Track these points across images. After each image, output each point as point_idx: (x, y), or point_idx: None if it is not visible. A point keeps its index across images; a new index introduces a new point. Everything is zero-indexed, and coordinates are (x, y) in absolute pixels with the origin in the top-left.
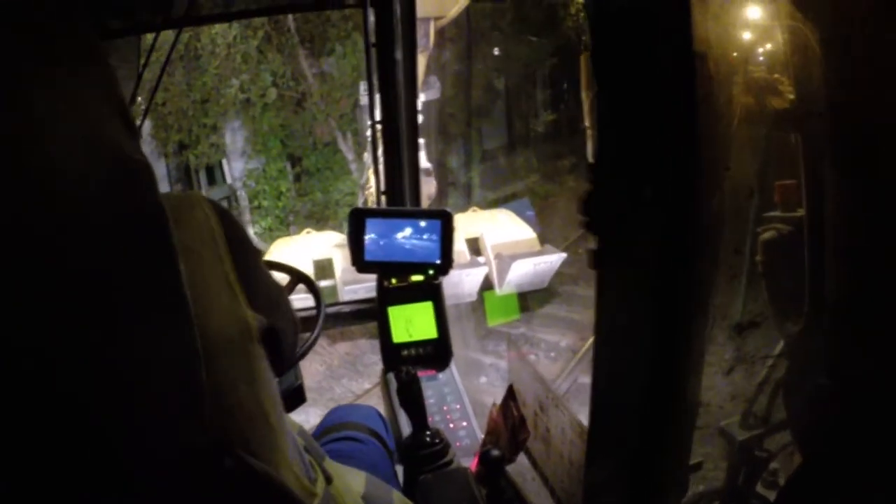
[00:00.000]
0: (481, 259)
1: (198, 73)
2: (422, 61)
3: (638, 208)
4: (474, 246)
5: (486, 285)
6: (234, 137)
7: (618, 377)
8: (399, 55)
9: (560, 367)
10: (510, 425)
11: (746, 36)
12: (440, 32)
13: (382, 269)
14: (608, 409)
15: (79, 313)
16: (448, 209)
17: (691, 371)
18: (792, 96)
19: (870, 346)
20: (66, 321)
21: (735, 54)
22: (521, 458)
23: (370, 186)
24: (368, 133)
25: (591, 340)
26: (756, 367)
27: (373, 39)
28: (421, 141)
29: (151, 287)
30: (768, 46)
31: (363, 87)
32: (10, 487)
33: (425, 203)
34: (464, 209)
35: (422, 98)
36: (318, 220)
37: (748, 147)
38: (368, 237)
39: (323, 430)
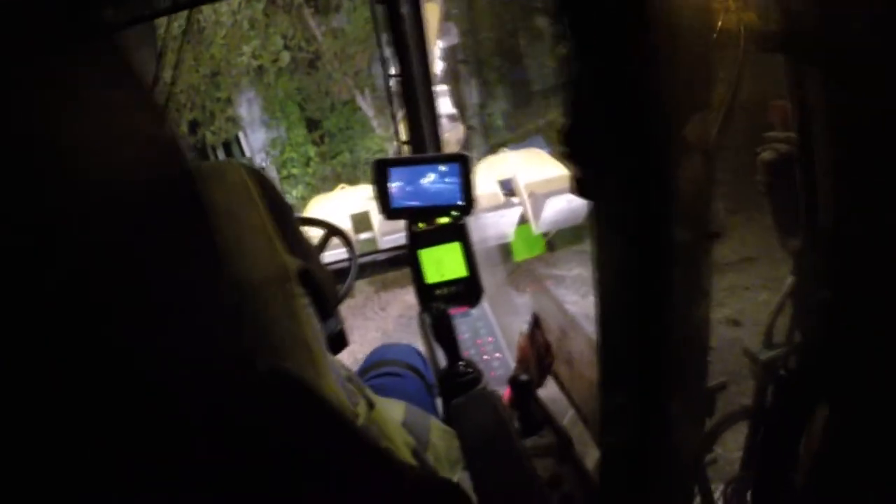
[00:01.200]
0: (516, 199)
1: (203, 46)
2: (436, 9)
3: (616, 136)
4: (509, 186)
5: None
6: (250, 108)
7: (617, 304)
8: (405, 9)
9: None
10: (537, 352)
11: None
12: None
13: (409, 215)
14: (612, 336)
15: (117, 262)
16: (465, 153)
17: (691, 293)
18: (775, 17)
19: (864, 258)
20: (108, 266)
21: None
22: (551, 384)
23: (401, 137)
24: (392, 85)
25: None
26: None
27: None
28: (445, 87)
29: (184, 237)
30: None
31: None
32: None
33: (455, 147)
34: (488, 150)
35: (440, 45)
36: (350, 181)
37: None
38: (392, 185)
39: (363, 369)
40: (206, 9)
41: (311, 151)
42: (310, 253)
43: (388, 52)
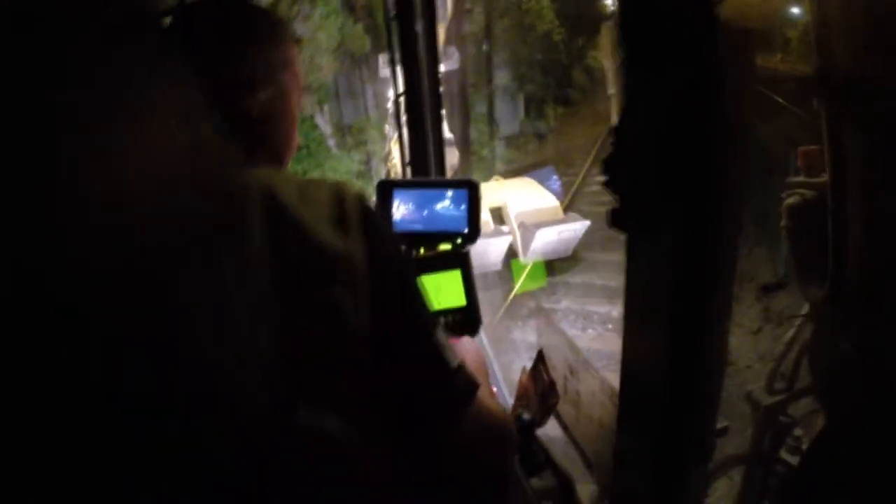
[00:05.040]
0: (505, 228)
1: None
2: (440, 32)
3: (661, 169)
4: (498, 215)
5: (511, 254)
6: None
7: (646, 339)
8: (419, 27)
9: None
10: (540, 389)
11: (769, 2)
12: (458, 2)
13: (411, 240)
14: (638, 373)
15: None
16: (475, 179)
17: (718, 333)
18: (815, 61)
19: (891, 312)
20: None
21: (758, 20)
22: (552, 423)
23: (393, 158)
24: (390, 105)
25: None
26: (781, 330)
27: (392, 12)
28: (443, 112)
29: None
30: (792, 11)
31: (382, 59)
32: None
33: (449, 174)
34: (486, 178)
35: (441, 68)
36: None
37: (772, 113)
38: (396, 208)
39: None
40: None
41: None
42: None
43: (386, 69)
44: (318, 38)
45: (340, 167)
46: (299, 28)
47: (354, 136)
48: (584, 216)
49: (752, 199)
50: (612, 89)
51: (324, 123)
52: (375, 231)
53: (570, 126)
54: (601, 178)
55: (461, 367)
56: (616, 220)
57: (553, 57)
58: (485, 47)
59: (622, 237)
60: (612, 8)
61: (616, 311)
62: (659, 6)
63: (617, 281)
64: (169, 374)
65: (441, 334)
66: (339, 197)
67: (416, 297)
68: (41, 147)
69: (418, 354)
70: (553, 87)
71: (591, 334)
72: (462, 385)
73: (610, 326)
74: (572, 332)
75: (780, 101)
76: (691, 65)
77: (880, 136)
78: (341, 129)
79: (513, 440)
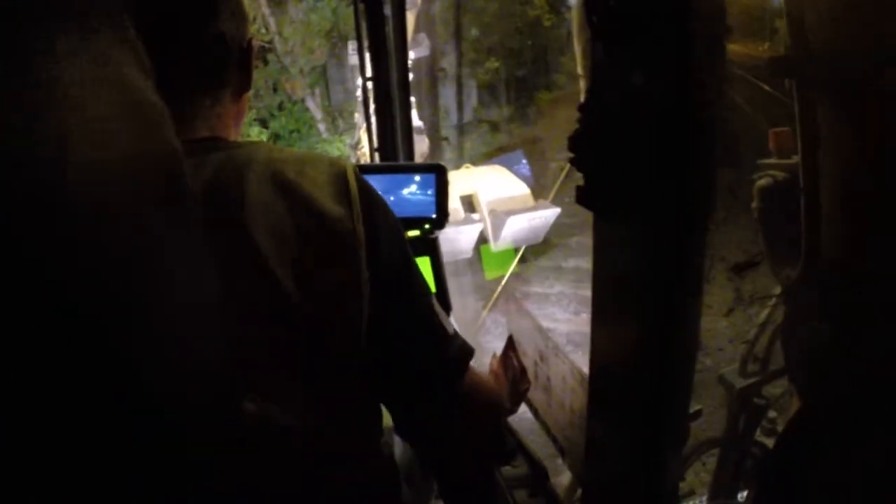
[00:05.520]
0: (476, 216)
1: None
2: (410, 19)
3: (627, 148)
4: (469, 203)
5: (482, 242)
6: None
7: (615, 323)
8: (388, 10)
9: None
10: (511, 376)
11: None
12: None
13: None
14: (607, 357)
15: (99, 248)
16: (442, 164)
17: (690, 314)
18: (788, 42)
19: (865, 291)
20: (88, 256)
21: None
22: (523, 409)
23: (362, 146)
24: (358, 93)
25: None
26: (753, 310)
27: None
28: (412, 99)
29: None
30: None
31: (352, 45)
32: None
33: (419, 161)
34: (457, 165)
35: (412, 55)
36: None
37: (741, 92)
38: None
39: None
40: None
41: None
42: None
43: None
44: (311, 20)
45: (332, 150)
46: (292, 10)
47: (345, 119)
48: (574, 201)
49: (723, 177)
50: (580, 69)
51: (314, 107)
52: (375, 203)
53: (560, 110)
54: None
55: (456, 333)
56: (582, 198)
57: (541, 42)
58: (474, 31)
59: None
60: None
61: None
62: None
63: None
64: (134, 356)
65: (435, 302)
66: (338, 172)
67: (415, 266)
68: None
69: (419, 322)
70: (542, 72)
71: (584, 318)
72: (460, 350)
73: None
74: (566, 315)
75: (754, 80)
76: (659, 42)
77: (852, 116)
78: (331, 113)
79: (503, 404)
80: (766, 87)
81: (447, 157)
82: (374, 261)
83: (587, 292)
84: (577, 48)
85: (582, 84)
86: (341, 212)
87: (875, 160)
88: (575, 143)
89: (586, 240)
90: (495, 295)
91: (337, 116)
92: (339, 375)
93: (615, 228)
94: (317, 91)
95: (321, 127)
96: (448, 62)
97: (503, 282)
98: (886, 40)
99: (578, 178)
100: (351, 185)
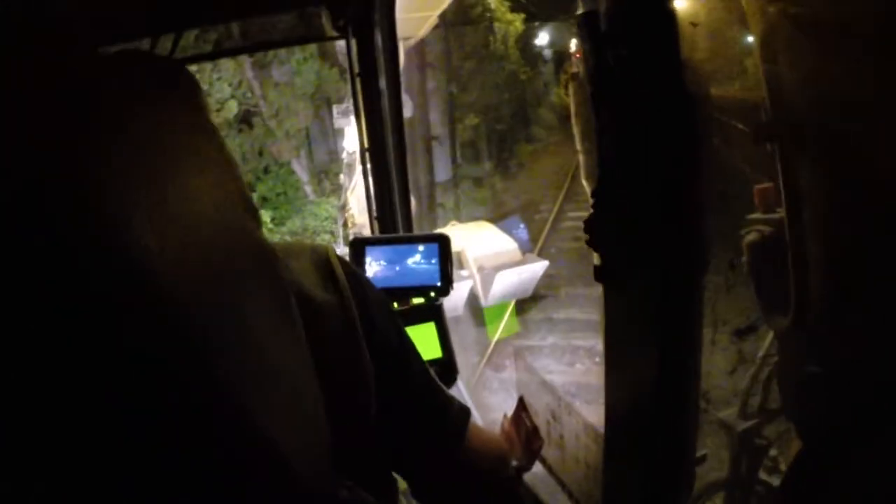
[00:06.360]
0: (464, 272)
1: None
2: None
3: (640, 228)
4: (457, 260)
5: (473, 299)
6: None
7: (628, 384)
8: (383, 84)
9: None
10: (524, 435)
11: (725, 53)
12: (410, 53)
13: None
14: (622, 414)
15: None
16: (445, 233)
17: (695, 374)
18: (767, 108)
19: (852, 336)
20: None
21: (720, 68)
22: (536, 467)
23: (350, 208)
24: (344, 156)
25: None
26: (752, 364)
27: (357, 69)
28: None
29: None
30: (745, 64)
31: (336, 109)
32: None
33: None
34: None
35: None
36: None
37: (734, 163)
38: (369, 265)
39: None
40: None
41: (266, 217)
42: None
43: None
44: (295, 83)
45: (320, 212)
46: (276, 73)
47: (331, 181)
48: (561, 253)
49: (724, 248)
50: (579, 146)
51: (300, 169)
52: (361, 282)
53: (538, 163)
54: (575, 215)
55: (452, 396)
56: (599, 275)
57: (518, 95)
58: (453, 90)
59: None
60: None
61: (602, 344)
62: (628, 67)
63: (600, 314)
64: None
65: (430, 369)
66: (321, 258)
67: (407, 339)
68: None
69: (420, 390)
70: (520, 126)
71: (579, 368)
72: (460, 411)
73: (597, 359)
74: (560, 367)
75: (741, 127)
76: (665, 135)
77: (834, 173)
78: (316, 175)
79: (508, 455)
80: (741, 127)
81: (438, 215)
82: (372, 339)
83: (580, 342)
84: (576, 129)
85: (581, 159)
86: (331, 298)
87: (854, 214)
88: (590, 225)
89: (574, 290)
90: (488, 350)
91: (323, 178)
92: (371, 452)
93: (624, 299)
94: (302, 153)
95: (307, 189)
96: (432, 122)
97: (495, 337)
98: (859, 102)
99: (564, 229)
100: (336, 268)
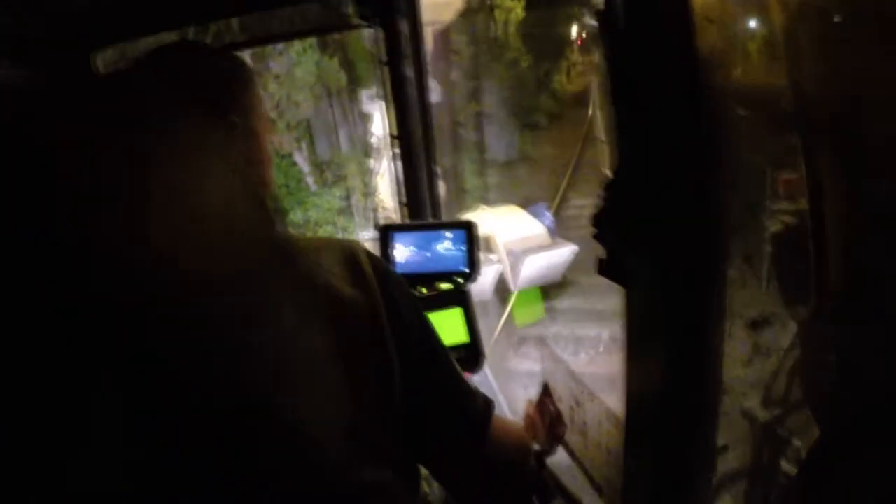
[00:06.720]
0: (494, 257)
1: None
2: None
3: (659, 221)
4: (486, 244)
5: (501, 283)
6: None
7: (648, 372)
8: (409, 71)
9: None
10: (547, 420)
11: (746, 42)
12: (437, 38)
13: (412, 281)
14: (641, 402)
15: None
16: (473, 220)
17: (716, 364)
18: (790, 99)
19: (872, 327)
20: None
21: (735, 62)
22: (559, 451)
23: (380, 192)
24: (373, 140)
25: None
26: (772, 357)
27: (384, 58)
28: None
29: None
30: (767, 53)
31: (365, 94)
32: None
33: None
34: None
35: None
36: None
37: (754, 154)
38: (396, 251)
39: None
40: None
41: None
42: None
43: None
44: (295, 74)
45: (322, 203)
46: (275, 65)
47: (333, 171)
48: (566, 240)
49: (740, 241)
50: (603, 136)
51: (302, 161)
52: (388, 277)
53: (540, 151)
54: (579, 202)
55: (476, 388)
56: (605, 270)
57: (520, 83)
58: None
59: None
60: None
61: (606, 333)
62: (645, 59)
63: (604, 304)
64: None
65: (454, 362)
66: (350, 254)
67: (432, 329)
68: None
69: (445, 384)
70: (522, 113)
71: (583, 358)
72: (483, 403)
73: (601, 349)
74: (565, 356)
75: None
76: (679, 113)
77: (857, 165)
78: (318, 166)
79: (531, 445)
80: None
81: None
82: (397, 335)
83: (584, 332)
84: (601, 119)
85: (603, 150)
86: (358, 294)
87: (875, 206)
88: (598, 219)
89: (578, 279)
90: (491, 340)
91: (325, 169)
92: (395, 441)
93: (643, 290)
94: (303, 145)
95: (309, 180)
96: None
97: (500, 322)
98: (883, 97)
99: (567, 217)
100: (364, 265)
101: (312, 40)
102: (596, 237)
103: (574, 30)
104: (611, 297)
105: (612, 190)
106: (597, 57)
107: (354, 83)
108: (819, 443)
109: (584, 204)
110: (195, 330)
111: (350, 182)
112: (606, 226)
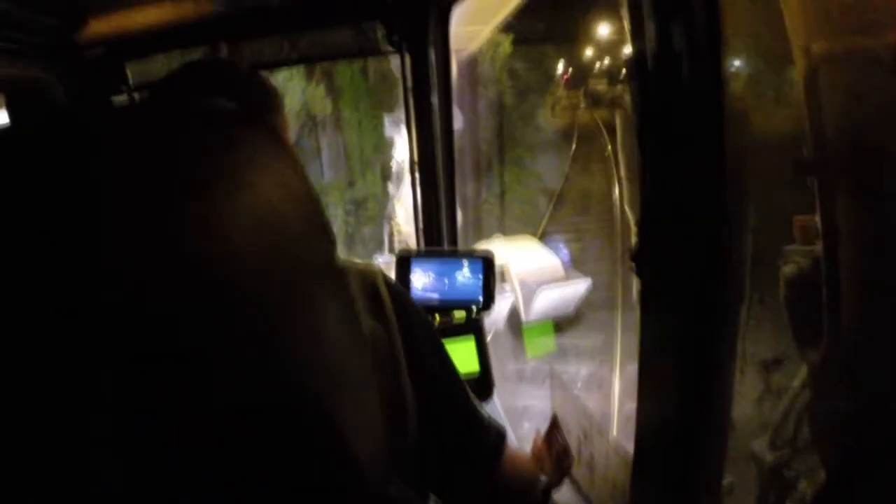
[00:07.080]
0: (507, 287)
1: None
2: None
3: (679, 261)
4: (500, 274)
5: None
6: None
7: (659, 409)
8: (435, 99)
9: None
10: (555, 453)
11: (766, 91)
12: (462, 66)
13: (428, 309)
14: (651, 439)
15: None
16: (490, 252)
17: (724, 404)
18: (809, 144)
19: (884, 372)
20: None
21: (755, 111)
22: (565, 485)
23: (397, 216)
24: (393, 164)
25: None
26: (782, 398)
27: (409, 83)
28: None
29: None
30: (785, 102)
31: (388, 119)
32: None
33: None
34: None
35: None
36: None
37: (770, 200)
38: (414, 278)
39: None
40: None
41: None
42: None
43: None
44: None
45: None
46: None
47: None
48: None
49: (755, 282)
50: (623, 173)
51: None
52: (406, 306)
53: (521, 186)
54: (559, 237)
55: (490, 418)
56: (644, 303)
57: (504, 117)
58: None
59: (587, 298)
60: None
61: (584, 370)
62: (674, 108)
63: (583, 341)
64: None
65: (469, 391)
66: (369, 282)
67: (450, 364)
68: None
69: (458, 412)
70: (506, 146)
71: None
72: (496, 434)
73: (579, 385)
74: (542, 392)
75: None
76: (705, 161)
77: (872, 207)
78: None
79: (539, 477)
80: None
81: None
82: (414, 366)
83: (562, 368)
84: (621, 158)
85: (625, 187)
86: (376, 325)
87: (889, 251)
88: (635, 255)
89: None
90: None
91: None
92: (408, 467)
93: (659, 326)
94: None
95: None
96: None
97: (531, 355)
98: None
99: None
100: (383, 294)
101: (299, 67)
102: (636, 273)
103: (560, 66)
104: (590, 335)
105: (644, 228)
106: (582, 92)
107: (339, 110)
108: (825, 486)
109: (564, 238)
110: (248, 345)
111: (332, 210)
112: (641, 262)
